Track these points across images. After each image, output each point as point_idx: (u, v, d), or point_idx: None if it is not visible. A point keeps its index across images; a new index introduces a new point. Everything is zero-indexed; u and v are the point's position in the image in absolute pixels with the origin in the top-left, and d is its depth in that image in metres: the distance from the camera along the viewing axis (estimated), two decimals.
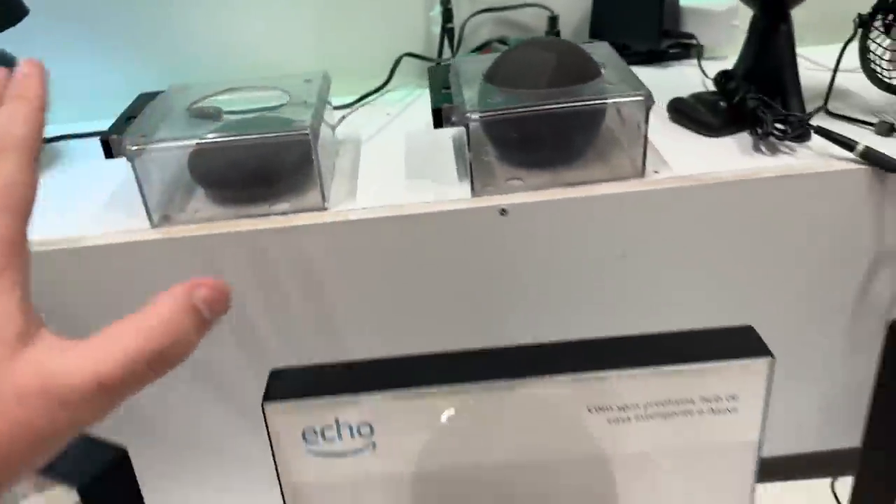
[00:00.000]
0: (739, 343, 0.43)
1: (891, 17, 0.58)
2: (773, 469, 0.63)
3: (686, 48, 0.79)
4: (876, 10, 0.58)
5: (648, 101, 0.55)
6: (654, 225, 0.58)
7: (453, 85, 0.60)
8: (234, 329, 0.60)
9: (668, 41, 0.79)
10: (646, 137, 0.57)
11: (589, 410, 0.43)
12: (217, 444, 0.66)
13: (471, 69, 0.63)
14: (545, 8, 0.81)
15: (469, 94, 0.58)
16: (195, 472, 0.68)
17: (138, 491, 0.40)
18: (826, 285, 0.61)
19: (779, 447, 0.65)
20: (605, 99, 0.56)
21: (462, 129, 0.56)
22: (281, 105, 0.60)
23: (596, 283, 0.60)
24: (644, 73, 0.60)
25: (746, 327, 0.44)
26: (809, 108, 0.65)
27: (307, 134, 0.55)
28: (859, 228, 0.59)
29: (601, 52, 0.64)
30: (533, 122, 0.56)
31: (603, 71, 0.60)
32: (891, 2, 0.58)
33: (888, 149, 0.57)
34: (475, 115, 0.55)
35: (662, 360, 0.43)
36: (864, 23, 0.59)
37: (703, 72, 0.74)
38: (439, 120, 0.56)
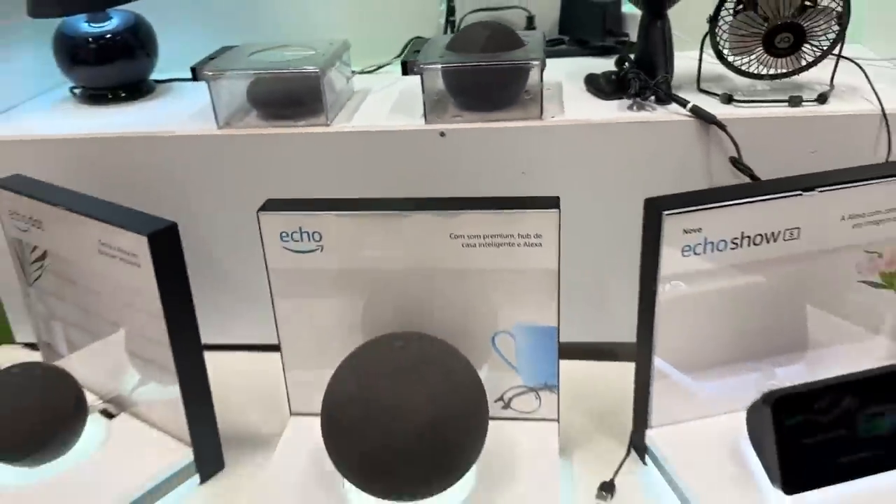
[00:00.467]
0: (545, 202, 0.69)
1: (731, 9, 0.82)
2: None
3: (624, 43, 1.04)
4: (716, 11, 0.83)
5: (542, 65, 0.82)
6: (546, 152, 0.85)
7: (423, 51, 0.89)
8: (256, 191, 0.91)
9: (612, 38, 1.05)
10: (541, 91, 0.84)
11: (450, 237, 0.71)
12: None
13: (441, 42, 0.91)
14: (524, 10, 1.09)
15: (429, 55, 0.87)
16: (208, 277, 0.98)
17: (182, 252, 0.70)
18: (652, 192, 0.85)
19: None
20: (511, 61, 0.84)
21: (419, 77, 0.85)
22: (308, 55, 0.90)
23: (501, 191, 0.86)
24: (588, 60, 0.87)
25: (554, 197, 0.70)
26: (687, 86, 0.89)
27: (317, 72, 0.85)
28: (687, 161, 0.83)
29: (533, 36, 0.91)
30: (465, 73, 0.84)
31: (525, 46, 0.87)
32: (724, 3, 0.82)
33: (717, 110, 0.82)
34: (426, 66, 0.83)
35: (497, 207, 0.69)
36: (711, 19, 0.83)
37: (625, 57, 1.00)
38: (405, 70, 0.85)
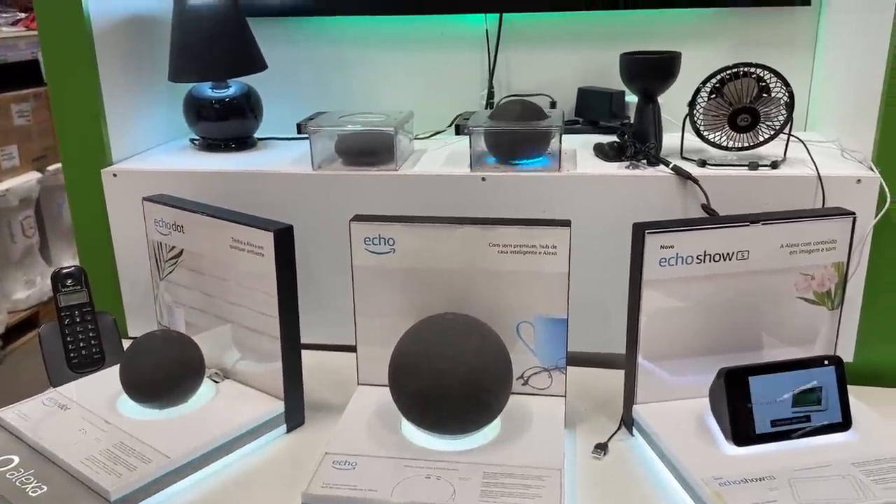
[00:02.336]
0: (560, 223, 0.95)
1: (705, 95, 1.09)
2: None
3: (626, 124, 1.32)
4: (694, 96, 1.10)
5: (561, 131, 1.10)
6: (562, 197, 1.11)
7: (471, 119, 1.17)
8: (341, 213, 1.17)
9: (616, 120, 1.33)
10: (560, 150, 1.11)
11: (489, 245, 0.96)
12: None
13: (484, 114, 1.20)
14: (548, 96, 1.38)
15: (476, 121, 1.15)
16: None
17: (294, 246, 0.96)
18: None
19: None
20: (535, 127, 1.11)
21: (468, 137, 1.13)
22: (383, 119, 1.19)
23: None
24: (596, 137, 1.16)
25: (566, 219, 0.95)
26: (672, 155, 1.16)
27: (392, 131, 1.13)
28: (669, 207, 1.09)
29: (555, 112, 1.19)
30: (503, 135, 1.12)
31: (549, 118, 1.15)
32: (700, 92, 1.10)
33: (694, 171, 1.08)
34: (474, 128, 1.11)
35: (524, 224, 0.95)
36: (690, 104, 1.11)
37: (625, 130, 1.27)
38: (458, 131, 1.13)
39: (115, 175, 1.21)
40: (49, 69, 1.20)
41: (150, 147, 1.34)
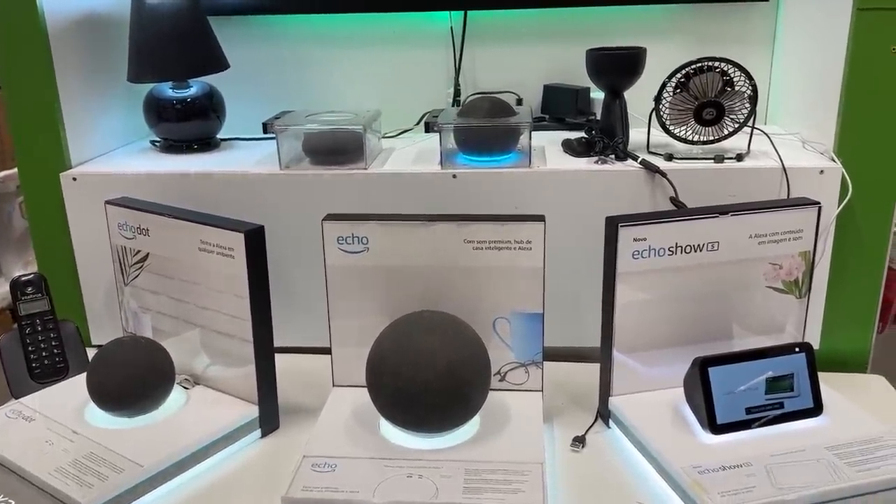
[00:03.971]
0: (534, 218, 0.95)
1: (671, 89, 1.11)
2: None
3: (592, 121, 1.33)
4: (660, 91, 1.11)
5: (530, 128, 1.10)
6: (533, 192, 1.11)
7: (440, 116, 1.17)
8: (311, 213, 1.15)
9: (582, 116, 1.34)
10: (530, 146, 1.11)
11: (464, 241, 0.96)
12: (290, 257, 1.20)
13: (453, 111, 1.19)
14: (515, 94, 1.39)
15: (445, 118, 1.14)
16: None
17: (265, 247, 0.94)
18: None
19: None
20: (505, 124, 1.11)
21: (438, 134, 1.12)
22: (351, 118, 1.18)
23: None
24: (562, 133, 1.16)
25: (540, 214, 0.96)
26: (639, 150, 1.17)
27: (360, 129, 1.12)
28: (638, 200, 1.10)
29: (523, 109, 1.19)
30: (473, 132, 1.12)
31: (517, 114, 1.15)
32: (665, 87, 1.11)
33: (661, 165, 1.09)
34: (443, 125, 1.11)
35: (499, 220, 0.95)
36: (656, 98, 1.12)
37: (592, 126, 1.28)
38: (427, 128, 1.12)
39: (74, 179, 1.18)
40: (2, 71, 1.16)
41: (110, 149, 1.31)
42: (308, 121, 1.17)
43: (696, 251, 0.95)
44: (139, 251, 1.04)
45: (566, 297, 1.15)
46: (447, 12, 1.35)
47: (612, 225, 0.93)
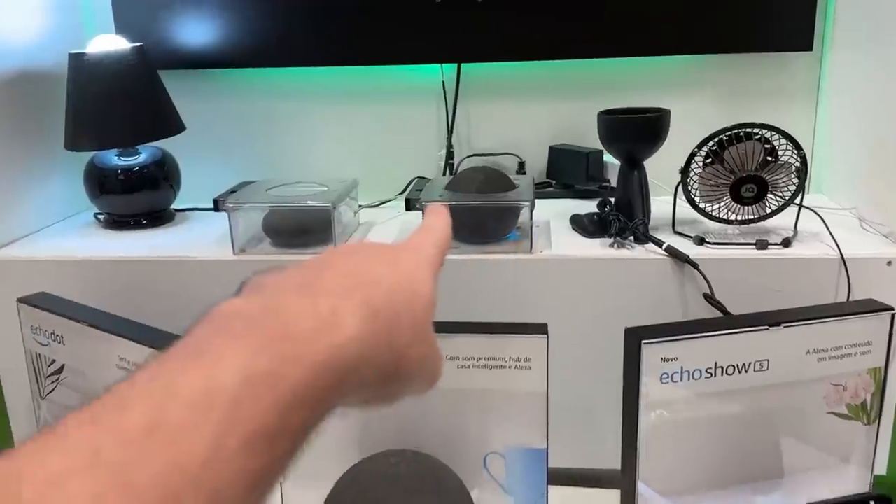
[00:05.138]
0: (534, 329, 0.75)
1: (700, 160, 0.92)
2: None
3: (605, 188, 1.14)
4: (687, 164, 0.92)
5: (531, 205, 0.91)
6: (535, 283, 0.92)
7: (425, 189, 0.98)
8: None
9: (594, 183, 1.15)
10: (531, 227, 0.92)
11: (446, 358, 0.76)
12: None
13: (441, 182, 1.01)
14: (517, 156, 1.20)
15: (430, 193, 0.96)
16: None
17: None
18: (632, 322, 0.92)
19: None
20: (504, 201, 0.92)
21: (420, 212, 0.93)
22: (321, 191, 0.99)
23: (494, 317, 0.92)
24: (573, 202, 0.97)
25: (542, 324, 0.76)
26: (663, 227, 0.98)
27: (329, 206, 0.93)
28: (663, 295, 0.90)
29: (524, 179, 1.01)
30: (463, 211, 0.93)
31: (517, 188, 0.96)
32: (694, 157, 0.92)
33: (690, 251, 0.90)
34: (425, 203, 0.92)
35: (490, 331, 0.75)
36: (683, 171, 0.93)
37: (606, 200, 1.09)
38: (409, 206, 0.94)
39: None
40: None
41: (45, 225, 1.13)
42: (269, 196, 0.99)
43: (740, 372, 0.75)
44: (54, 360, 0.86)
45: (575, 408, 0.95)
46: (438, 65, 1.17)
47: (634, 340, 0.73)
